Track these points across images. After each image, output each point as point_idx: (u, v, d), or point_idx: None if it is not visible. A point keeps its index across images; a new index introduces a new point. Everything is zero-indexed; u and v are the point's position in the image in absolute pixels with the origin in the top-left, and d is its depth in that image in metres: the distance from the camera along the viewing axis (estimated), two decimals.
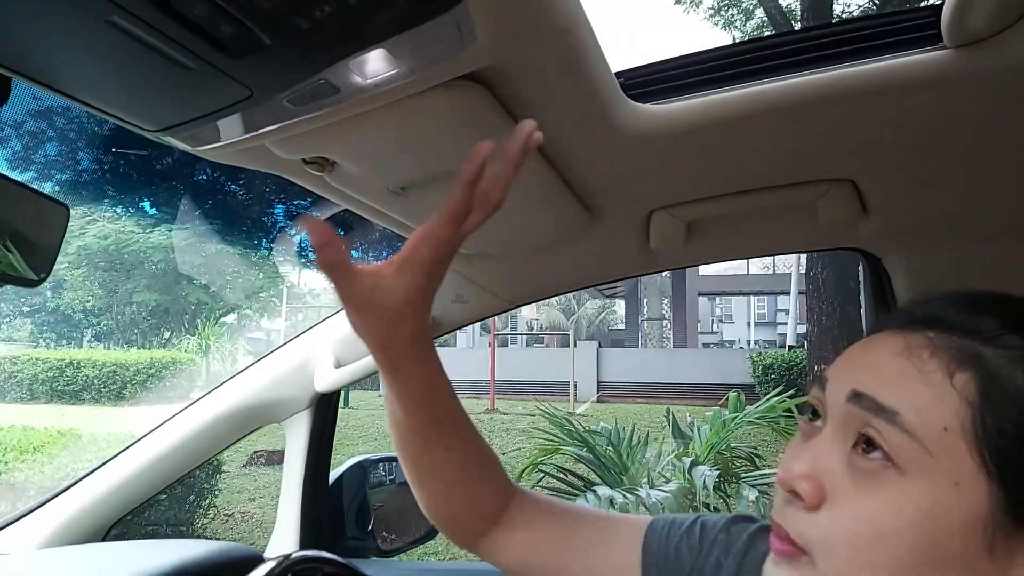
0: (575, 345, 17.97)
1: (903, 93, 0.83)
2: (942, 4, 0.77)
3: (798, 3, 11.52)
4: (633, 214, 1.15)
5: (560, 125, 0.85)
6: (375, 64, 0.62)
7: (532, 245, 1.22)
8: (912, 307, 0.64)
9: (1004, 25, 0.73)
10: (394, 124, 0.76)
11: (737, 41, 0.97)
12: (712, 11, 13.87)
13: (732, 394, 5.24)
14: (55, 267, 0.77)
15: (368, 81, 0.64)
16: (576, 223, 1.13)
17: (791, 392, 5.20)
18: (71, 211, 0.76)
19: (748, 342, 32.52)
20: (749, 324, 34.83)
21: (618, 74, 0.94)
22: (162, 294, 18.23)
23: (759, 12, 13.09)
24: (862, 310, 9.21)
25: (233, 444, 1.60)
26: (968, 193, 1.06)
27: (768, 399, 4.91)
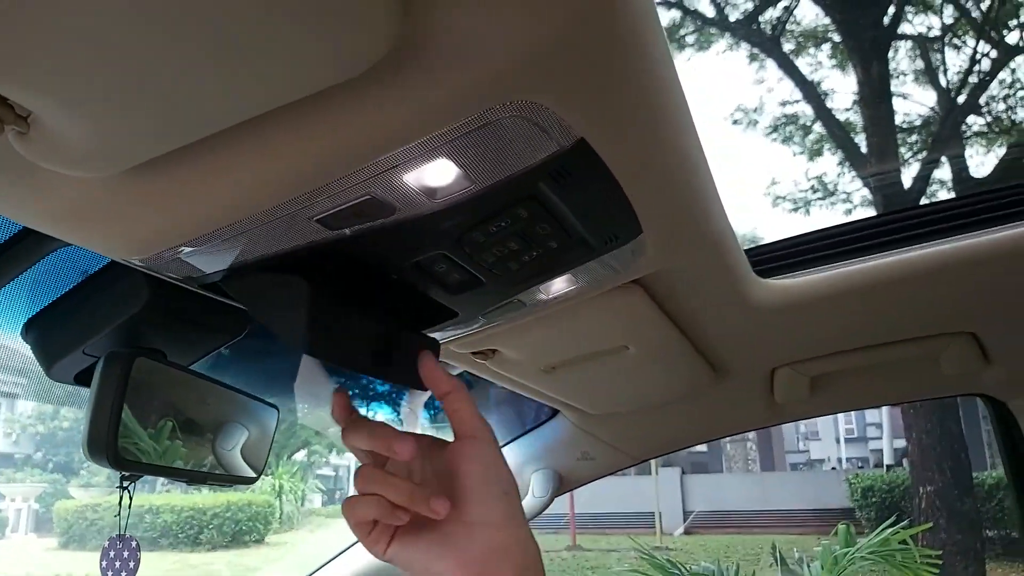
0: (657, 473, 17.41)
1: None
2: None
3: (859, 116, 11.68)
4: (758, 371, 1.21)
5: (696, 303, 0.93)
6: (559, 284, 0.72)
7: (658, 402, 1.28)
8: None
9: None
10: (557, 321, 0.85)
11: (856, 219, 1.06)
12: (770, 128, 14.18)
13: (841, 526, 4.97)
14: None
15: (550, 296, 0.74)
16: (702, 381, 1.19)
17: (904, 522, 4.90)
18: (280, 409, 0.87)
19: (839, 460, 30.75)
20: (838, 441, 33.03)
21: (747, 251, 1.03)
22: None
23: (817, 127, 13.31)
24: (961, 425, 8.74)
25: None
26: None
27: (882, 530, 4.64)
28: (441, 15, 0.38)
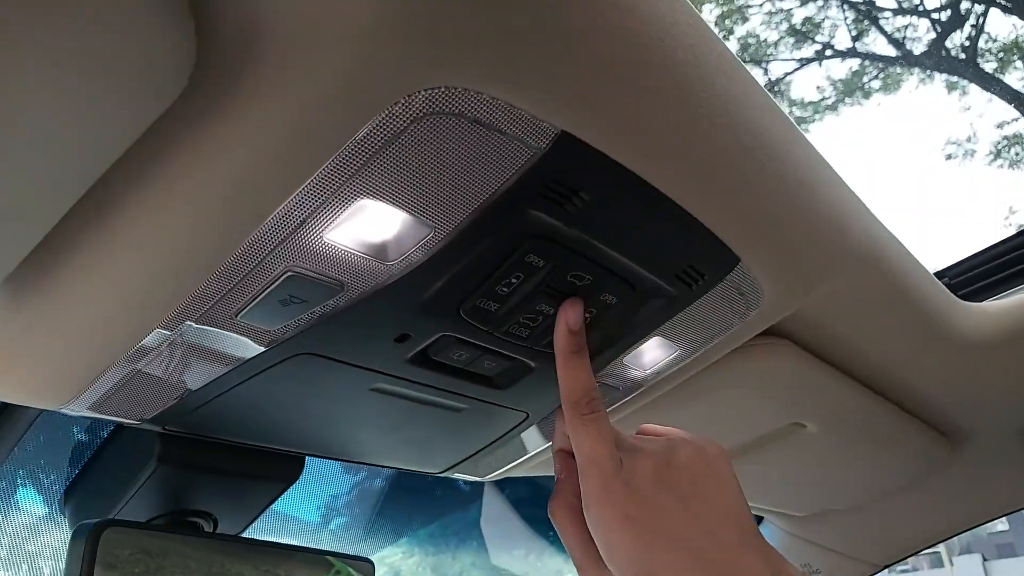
0: (951, 563, 14.89)
1: None
2: None
3: None
4: (1006, 432, 0.90)
5: (885, 351, 0.70)
6: (652, 354, 0.54)
7: (884, 489, 1.00)
8: None
9: None
10: (691, 401, 0.66)
11: None
12: (992, 155, 12.64)
13: None
14: None
15: (648, 371, 0.56)
16: (934, 455, 0.90)
17: None
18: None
19: None
20: None
21: (939, 274, 0.78)
22: None
23: None
24: None
25: None
26: None
27: None
28: None
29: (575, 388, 0.44)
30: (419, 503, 1.51)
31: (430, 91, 0.30)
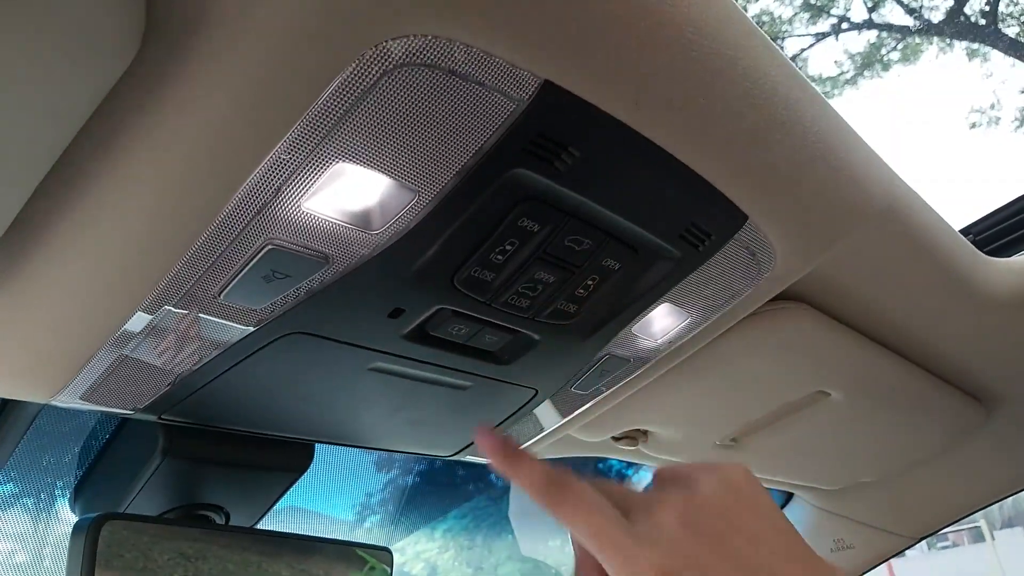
0: (993, 537, 14.57)
1: None
2: None
3: None
4: None
5: (908, 312, 0.67)
6: (661, 322, 0.52)
7: (915, 459, 0.97)
8: None
9: None
10: (709, 372, 0.64)
11: None
12: (1018, 122, 12.35)
13: None
14: None
15: (660, 340, 0.54)
16: (967, 420, 0.87)
17: None
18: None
19: None
20: None
21: (964, 231, 0.75)
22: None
23: None
24: None
25: None
26: None
27: None
28: None
29: (532, 485, 0.38)
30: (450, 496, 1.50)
31: (399, 40, 0.28)
